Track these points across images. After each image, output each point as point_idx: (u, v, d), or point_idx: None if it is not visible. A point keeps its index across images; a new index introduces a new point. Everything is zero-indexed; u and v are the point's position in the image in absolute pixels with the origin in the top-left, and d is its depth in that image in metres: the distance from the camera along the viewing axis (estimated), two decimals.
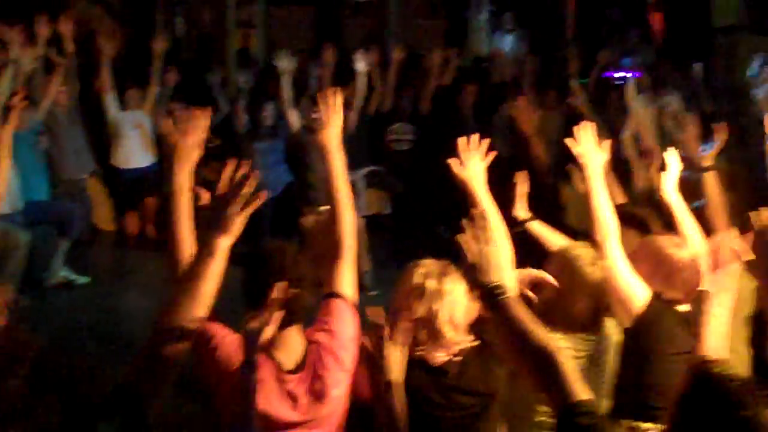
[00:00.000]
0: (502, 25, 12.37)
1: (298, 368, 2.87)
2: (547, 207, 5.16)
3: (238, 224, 2.42)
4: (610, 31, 12.65)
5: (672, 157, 4.29)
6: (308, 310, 2.93)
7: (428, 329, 2.98)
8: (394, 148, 9.03)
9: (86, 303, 7.12)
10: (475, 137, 3.44)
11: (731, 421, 1.90)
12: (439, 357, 3.04)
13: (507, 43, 12.04)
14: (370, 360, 2.75)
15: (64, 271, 7.46)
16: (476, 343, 3.09)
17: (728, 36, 11.05)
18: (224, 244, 2.39)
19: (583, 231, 4.11)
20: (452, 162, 3.34)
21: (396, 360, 2.78)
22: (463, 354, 3.06)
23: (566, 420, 2.14)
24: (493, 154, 3.52)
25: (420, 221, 8.99)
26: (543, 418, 3.41)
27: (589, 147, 3.73)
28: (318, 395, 2.88)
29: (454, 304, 3.01)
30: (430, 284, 3.00)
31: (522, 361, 2.33)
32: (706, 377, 1.97)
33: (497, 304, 2.31)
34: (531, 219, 4.33)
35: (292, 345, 2.88)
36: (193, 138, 2.94)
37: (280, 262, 2.80)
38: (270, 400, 2.77)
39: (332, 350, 2.94)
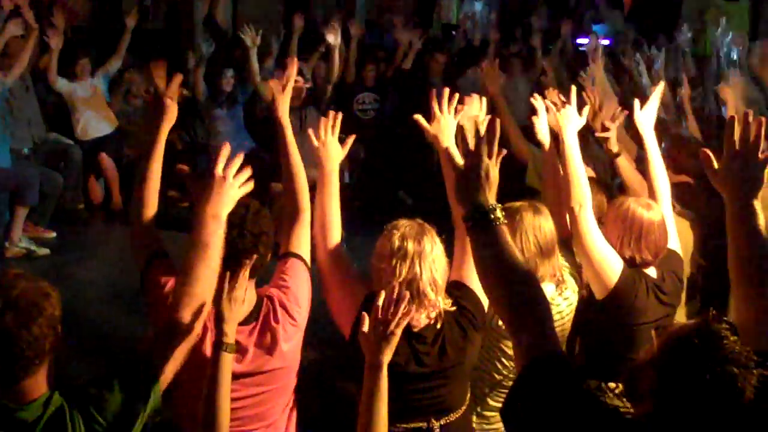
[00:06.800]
0: None
1: (248, 320, 2.88)
2: (510, 168, 5.16)
3: (236, 196, 2.55)
4: None
5: (654, 95, 4.21)
6: (263, 266, 2.93)
7: (411, 291, 2.93)
8: (360, 117, 9.05)
9: (46, 273, 7.01)
10: (446, 92, 3.28)
11: (715, 384, 1.81)
12: (420, 320, 3.03)
13: (476, 9, 11.98)
14: (364, 338, 2.67)
15: (25, 242, 7.35)
16: (453, 308, 3.08)
17: (697, 1, 11.03)
18: (225, 214, 2.52)
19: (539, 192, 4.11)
20: (419, 118, 3.19)
21: (393, 341, 2.68)
22: (441, 319, 3.05)
23: (536, 369, 2.01)
24: (462, 108, 3.33)
25: (382, 188, 9.01)
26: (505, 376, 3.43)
27: (567, 111, 3.70)
28: (267, 348, 2.90)
29: (435, 264, 2.99)
30: (411, 245, 2.98)
31: (501, 294, 2.17)
32: (710, 333, 1.87)
33: (489, 226, 2.17)
34: None
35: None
36: (173, 95, 2.99)
37: (241, 216, 2.78)
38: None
39: (285, 306, 2.96)
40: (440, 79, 9.00)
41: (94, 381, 2.31)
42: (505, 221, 2.20)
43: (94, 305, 6.28)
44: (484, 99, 3.47)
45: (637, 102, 4.11)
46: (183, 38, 10.46)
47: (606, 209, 3.91)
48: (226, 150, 2.57)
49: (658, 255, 3.64)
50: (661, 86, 4.35)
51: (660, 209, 3.72)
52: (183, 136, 8.76)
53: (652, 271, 3.67)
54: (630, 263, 3.59)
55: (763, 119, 2.33)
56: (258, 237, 2.84)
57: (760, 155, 2.32)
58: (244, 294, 2.71)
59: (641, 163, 4.48)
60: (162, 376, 2.36)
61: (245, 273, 2.68)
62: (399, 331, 2.67)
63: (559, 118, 3.71)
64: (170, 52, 9.22)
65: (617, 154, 4.61)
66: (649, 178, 4.00)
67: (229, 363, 2.62)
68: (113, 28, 8.99)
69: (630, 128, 5.19)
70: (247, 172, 2.57)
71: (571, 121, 3.69)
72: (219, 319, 2.62)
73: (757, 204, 2.32)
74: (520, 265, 2.16)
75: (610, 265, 3.54)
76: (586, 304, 3.67)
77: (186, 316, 2.40)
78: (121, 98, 8.66)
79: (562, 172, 3.70)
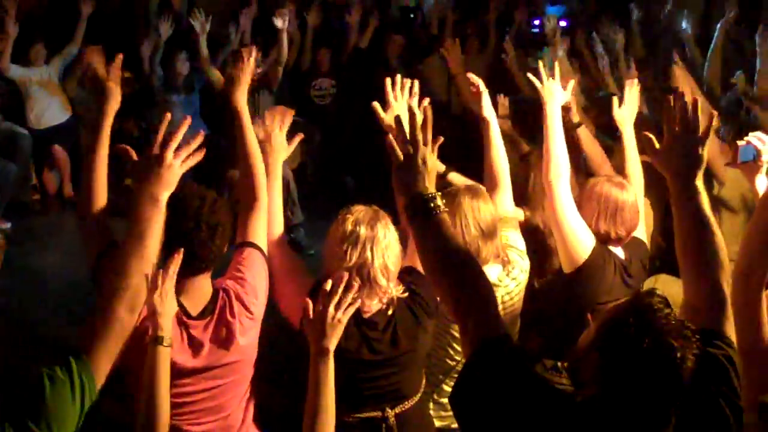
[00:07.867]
0: None
1: (204, 314, 2.85)
2: (474, 148, 5.13)
3: (177, 177, 2.47)
4: None
5: (630, 90, 4.25)
6: (220, 258, 2.89)
7: (362, 277, 2.93)
8: (317, 103, 9.01)
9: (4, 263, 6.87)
10: (399, 78, 3.29)
11: (655, 358, 1.84)
12: (372, 306, 3.02)
13: None
14: (309, 325, 2.65)
15: None
16: (405, 294, 3.06)
17: None
18: (165, 197, 2.43)
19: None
20: (376, 106, 3.16)
21: (339, 328, 2.66)
22: (393, 305, 3.03)
23: (484, 354, 2.01)
24: (422, 99, 3.27)
25: (328, 173, 8.98)
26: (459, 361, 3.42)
27: (553, 84, 3.70)
28: (223, 342, 2.86)
29: (388, 251, 2.98)
30: (363, 231, 2.96)
31: (444, 281, 2.17)
32: (643, 308, 1.90)
33: (430, 215, 2.16)
34: (448, 171, 4.31)
35: (200, 291, 2.85)
36: (117, 81, 2.96)
37: (197, 207, 2.74)
38: (172, 346, 2.70)
39: (241, 298, 2.92)
40: (398, 62, 8.95)
41: (25, 388, 2.18)
42: (446, 209, 2.19)
43: (50, 296, 6.18)
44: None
45: (615, 100, 4.18)
46: (138, 24, 10.28)
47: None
48: (164, 126, 2.50)
49: (630, 233, 3.70)
50: (635, 84, 4.33)
51: (633, 190, 3.76)
52: (139, 123, 8.64)
53: (620, 252, 3.71)
54: (604, 239, 3.63)
55: (698, 99, 2.36)
56: (214, 229, 2.79)
57: (699, 133, 2.35)
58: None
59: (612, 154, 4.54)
60: (95, 367, 2.23)
61: (176, 266, 2.63)
62: (345, 319, 2.65)
63: (545, 89, 3.71)
64: (125, 37, 9.07)
65: (578, 125, 4.61)
66: (624, 168, 4.06)
67: (166, 356, 2.57)
68: (68, 14, 8.80)
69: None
70: (187, 150, 2.50)
71: (555, 95, 3.71)
72: (151, 312, 2.56)
73: (699, 183, 2.34)
74: (463, 252, 2.16)
75: (581, 240, 3.57)
76: (550, 281, 3.69)
77: (118, 308, 2.32)
78: (76, 84, 8.51)
79: (544, 144, 3.69)
